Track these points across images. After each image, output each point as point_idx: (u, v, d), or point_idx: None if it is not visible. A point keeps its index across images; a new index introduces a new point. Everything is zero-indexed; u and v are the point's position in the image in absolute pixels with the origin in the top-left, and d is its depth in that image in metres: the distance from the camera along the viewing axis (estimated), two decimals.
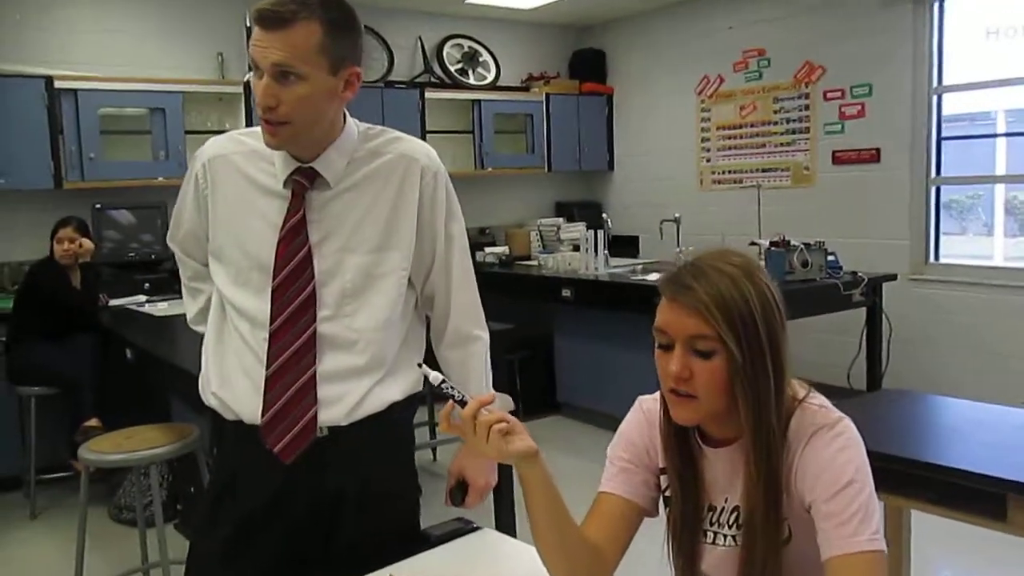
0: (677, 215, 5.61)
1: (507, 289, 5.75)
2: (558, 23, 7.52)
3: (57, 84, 5.04)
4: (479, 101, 6.82)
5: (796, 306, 1.35)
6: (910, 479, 2.25)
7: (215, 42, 5.93)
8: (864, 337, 5.10)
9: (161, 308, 4.60)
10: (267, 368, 1.65)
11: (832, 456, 1.28)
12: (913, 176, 5.51)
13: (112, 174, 5.25)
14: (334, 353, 1.68)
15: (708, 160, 6.81)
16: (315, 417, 1.65)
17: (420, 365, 1.40)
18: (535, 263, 6.18)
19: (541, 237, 6.52)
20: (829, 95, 5.91)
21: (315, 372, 1.65)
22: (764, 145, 6.37)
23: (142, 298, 4.92)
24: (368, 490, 1.73)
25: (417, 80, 6.72)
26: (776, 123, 6.27)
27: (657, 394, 1.45)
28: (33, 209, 5.20)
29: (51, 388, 4.41)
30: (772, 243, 4.73)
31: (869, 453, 1.33)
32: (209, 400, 1.76)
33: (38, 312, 4.44)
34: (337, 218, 1.69)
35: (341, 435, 1.68)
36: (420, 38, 6.84)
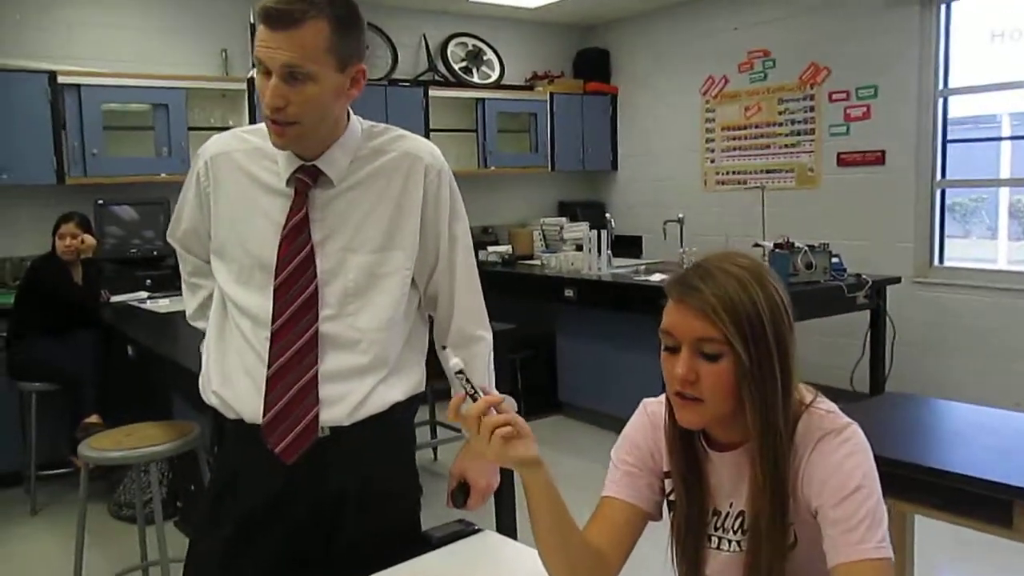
0: (681, 215, 5.60)
1: (510, 288, 5.74)
2: (563, 22, 7.51)
3: (60, 79, 5.03)
4: (483, 100, 6.81)
5: (800, 308, 1.34)
6: (915, 484, 2.24)
7: (219, 38, 5.92)
8: (868, 340, 5.08)
9: (163, 305, 4.59)
10: (268, 368, 1.64)
11: (839, 462, 1.27)
12: (918, 178, 5.49)
13: (115, 170, 5.24)
14: (336, 353, 1.66)
15: (712, 161, 6.80)
16: (317, 417, 1.64)
17: (444, 348, 1.37)
18: (538, 263, 6.16)
19: (544, 237, 6.51)
20: (834, 96, 5.89)
21: (317, 372, 1.64)
22: (768, 146, 6.36)
23: (144, 295, 4.91)
24: (369, 490, 1.71)
25: (421, 78, 6.71)
26: (781, 124, 6.26)
27: (662, 397, 1.44)
28: (35, 205, 5.20)
29: (52, 384, 4.40)
30: (776, 245, 4.72)
31: (874, 458, 1.32)
32: (210, 399, 1.75)
33: (40, 308, 4.43)
34: (340, 217, 1.67)
35: (343, 435, 1.67)
36: (424, 36, 6.83)
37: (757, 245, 4.80)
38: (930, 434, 2.73)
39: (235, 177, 1.71)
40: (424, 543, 1.72)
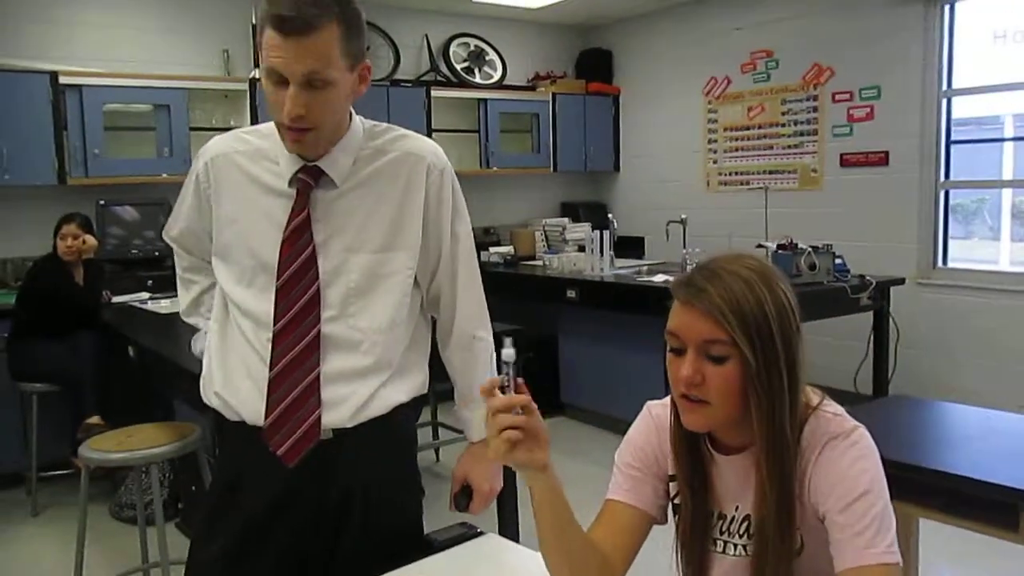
0: (683, 216, 5.58)
1: (512, 289, 5.73)
2: (565, 23, 7.50)
3: (62, 80, 5.02)
4: (485, 100, 6.80)
5: (803, 309, 1.33)
6: (919, 487, 2.23)
7: (221, 38, 5.91)
8: (871, 341, 5.07)
9: (164, 305, 4.58)
10: (271, 369, 1.62)
11: (847, 466, 1.26)
12: (922, 179, 5.48)
13: (116, 170, 5.23)
14: (339, 354, 1.65)
15: (715, 161, 6.78)
16: (319, 420, 1.63)
17: (505, 336, 1.33)
18: (540, 263, 6.16)
19: (546, 237, 6.50)
20: (838, 97, 5.88)
21: (319, 373, 1.63)
22: (771, 147, 6.34)
23: (145, 295, 4.90)
24: (372, 493, 1.70)
25: (423, 79, 6.70)
26: (784, 125, 6.24)
27: (667, 399, 1.43)
28: (37, 205, 5.19)
29: (53, 385, 4.39)
30: (779, 246, 4.71)
31: None
32: (211, 400, 1.74)
33: (41, 309, 4.43)
34: (342, 217, 1.66)
35: (346, 437, 1.66)
36: (427, 36, 6.82)
37: (760, 246, 4.79)
38: (935, 436, 2.72)
39: (236, 179, 1.70)
40: (427, 546, 1.71)
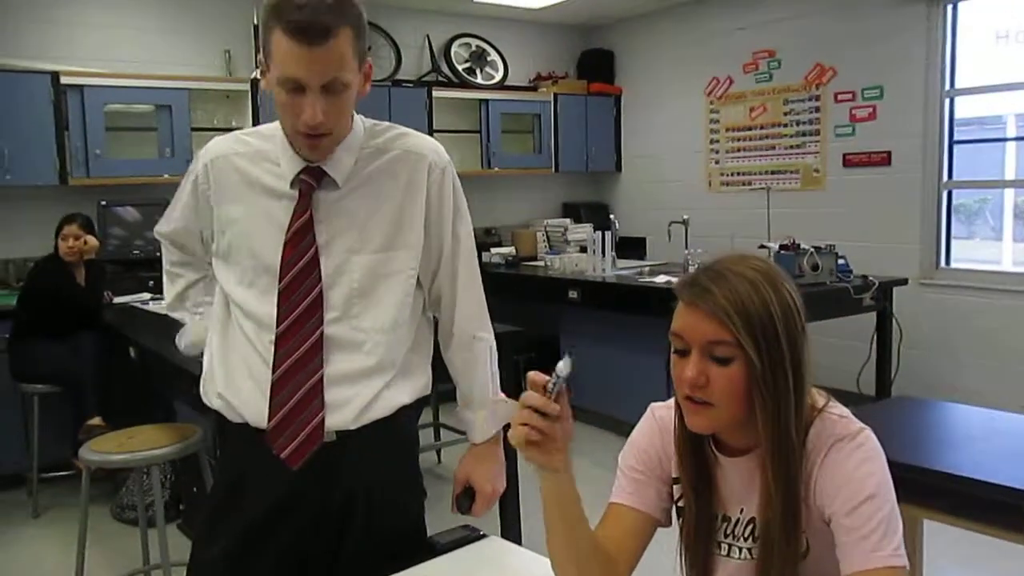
0: (685, 217, 5.57)
1: (513, 290, 5.72)
2: (566, 23, 7.49)
3: (63, 80, 5.02)
4: (486, 101, 6.79)
5: (806, 310, 1.31)
6: (923, 488, 2.21)
7: (222, 39, 5.91)
8: (874, 342, 5.06)
9: (164, 306, 4.57)
10: (273, 371, 1.62)
11: (853, 468, 1.25)
12: (925, 179, 5.47)
13: (118, 171, 5.23)
14: (342, 355, 1.64)
15: (717, 162, 6.77)
16: (322, 422, 1.62)
17: (573, 348, 1.33)
18: (542, 264, 6.15)
19: (548, 238, 6.50)
20: (840, 97, 5.86)
21: (322, 376, 1.62)
22: (774, 147, 6.33)
23: (146, 296, 4.89)
24: (375, 495, 1.70)
25: (424, 79, 6.69)
26: (786, 125, 6.23)
27: (670, 401, 1.41)
28: (38, 205, 5.18)
29: (55, 386, 4.38)
30: (782, 246, 4.70)
31: None
32: (213, 401, 1.73)
33: (42, 309, 4.42)
34: (344, 218, 1.65)
35: (349, 439, 1.65)
36: (428, 37, 6.82)
37: (763, 247, 4.78)
38: (938, 437, 2.71)
39: (236, 181, 1.69)
40: (429, 549, 1.70)
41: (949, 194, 5.49)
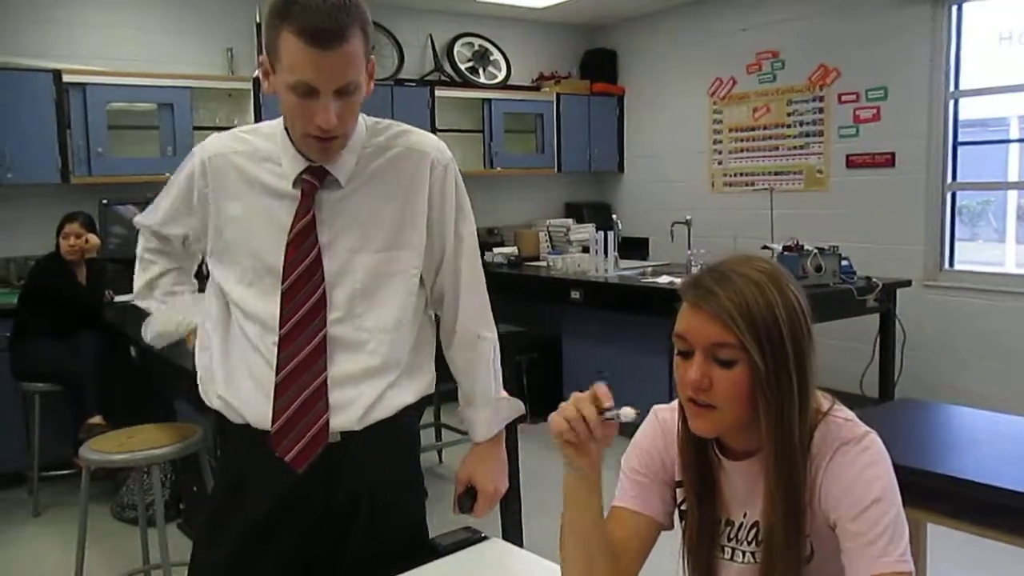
0: (688, 217, 5.56)
1: (515, 290, 5.71)
2: (570, 22, 7.48)
3: (65, 78, 5.01)
4: (489, 100, 6.78)
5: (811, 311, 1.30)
6: (927, 491, 2.20)
7: (225, 37, 5.90)
8: (877, 343, 5.05)
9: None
10: (277, 373, 1.60)
11: (858, 472, 1.23)
12: (928, 181, 5.45)
13: (119, 169, 5.21)
14: (345, 355, 1.63)
15: (720, 163, 6.76)
16: (327, 424, 1.61)
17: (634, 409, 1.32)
18: (544, 264, 6.14)
19: (550, 238, 6.49)
20: (844, 98, 5.85)
21: (326, 377, 1.61)
22: (777, 148, 6.32)
23: None
24: (378, 495, 1.69)
25: (427, 78, 6.68)
26: (789, 126, 6.22)
27: (674, 403, 1.40)
28: (40, 204, 5.17)
29: (55, 385, 4.37)
30: (785, 247, 4.69)
31: None
32: (213, 402, 1.72)
33: (43, 308, 4.42)
34: (347, 217, 1.64)
35: (353, 440, 1.64)
36: (431, 36, 6.81)
37: (766, 247, 4.77)
38: (942, 440, 2.70)
39: (235, 179, 1.67)
40: (431, 551, 1.69)
41: (953, 196, 5.48)
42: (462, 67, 6.83)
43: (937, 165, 5.42)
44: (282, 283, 1.61)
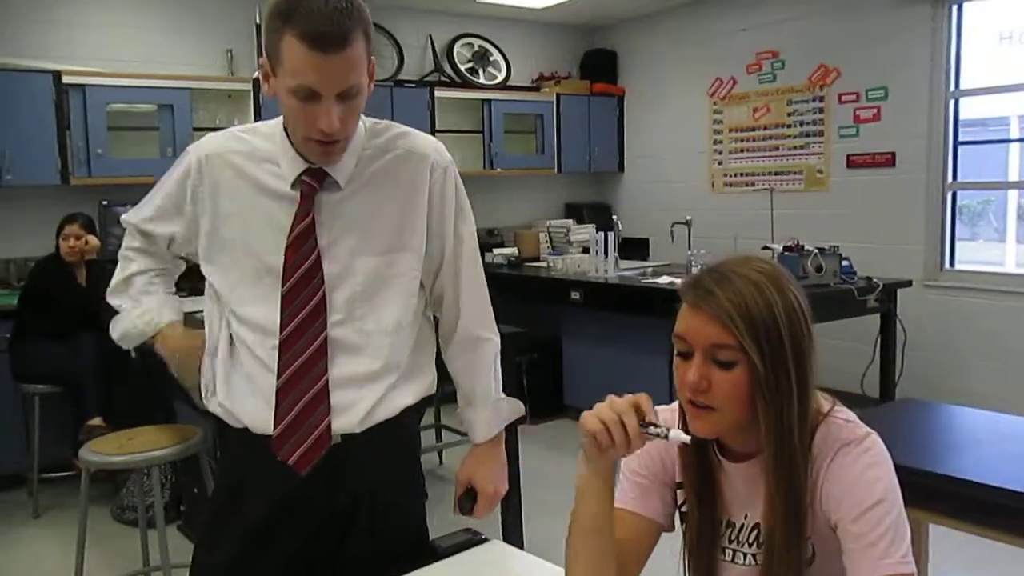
0: (688, 218, 5.56)
1: (516, 291, 5.71)
2: (569, 23, 7.47)
3: (65, 79, 5.01)
4: (489, 101, 6.77)
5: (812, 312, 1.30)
6: (928, 492, 2.20)
7: (224, 38, 5.89)
8: (878, 344, 5.04)
9: None
10: (278, 377, 1.60)
11: (859, 474, 1.23)
12: (929, 181, 5.44)
13: (119, 171, 5.21)
14: (346, 358, 1.63)
15: (720, 163, 6.75)
16: (329, 427, 1.60)
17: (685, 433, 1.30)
18: (544, 265, 6.13)
19: (550, 238, 6.48)
20: (844, 98, 5.84)
21: (328, 380, 1.60)
22: (777, 148, 6.31)
23: None
24: (379, 496, 1.68)
25: (427, 79, 6.68)
26: (789, 126, 6.21)
27: (674, 404, 1.40)
28: (39, 205, 5.17)
29: (55, 386, 4.37)
30: (785, 247, 4.69)
31: None
32: (213, 408, 1.71)
33: (43, 309, 4.41)
34: (347, 220, 1.63)
35: (354, 441, 1.64)
36: (431, 37, 6.80)
37: (766, 248, 4.77)
38: (943, 440, 2.70)
39: (232, 179, 1.65)
40: (431, 552, 1.69)
41: (953, 195, 5.47)
42: (462, 68, 6.83)
43: (937, 165, 5.42)
44: (282, 286, 1.60)
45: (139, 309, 1.80)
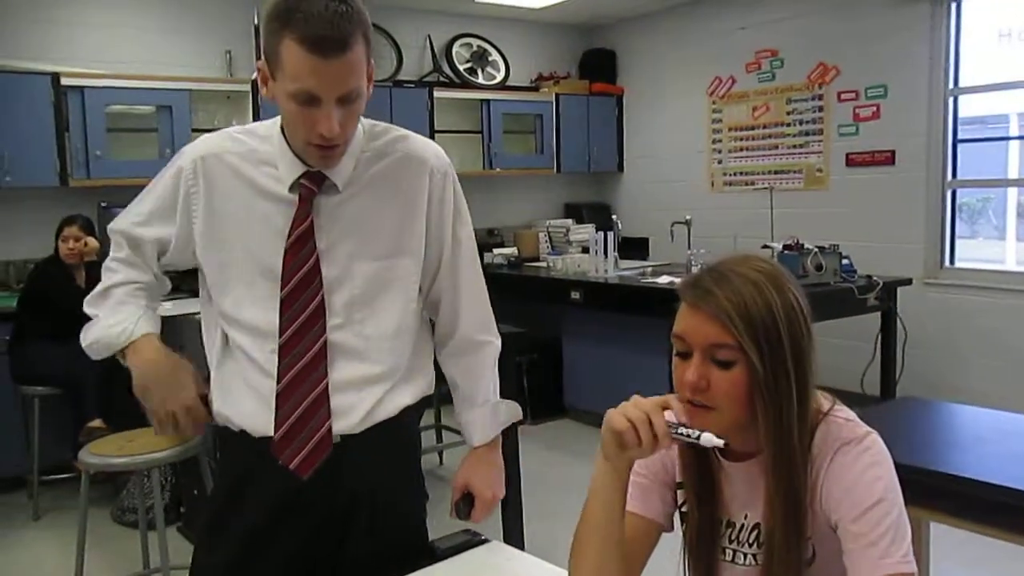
0: (688, 217, 5.56)
1: (515, 291, 5.71)
2: (568, 23, 7.47)
3: (64, 81, 5.00)
4: (488, 101, 6.76)
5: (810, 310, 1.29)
6: (929, 490, 2.20)
7: (223, 39, 5.89)
8: (878, 342, 5.04)
9: (167, 308, 4.55)
10: (278, 382, 1.59)
11: (860, 473, 1.23)
12: (929, 179, 5.44)
13: (118, 172, 5.20)
14: (346, 362, 1.62)
15: (719, 162, 6.75)
16: (330, 430, 1.59)
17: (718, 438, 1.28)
18: (544, 265, 6.14)
19: (550, 238, 6.48)
20: (843, 96, 5.84)
21: (328, 384, 1.60)
22: (777, 147, 6.31)
23: None
24: (379, 496, 1.68)
25: (426, 79, 6.67)
26: (789, 125, 6.21)
27: None
28: (38, 207, 5.17)
29: (55, 388, 4.37)
30: (785, 246, 4.68)
31: None
32: (214, 414, 1.71)
33: (42, 311, 4.40)
34: (346, 223, 1.62)
35: (353, 442, 1.63)
36: (429, 37, 6.80)
37: (766, 247, 4.76)
38: (944, 439, 2.70)
39: (228, 180, 1.63)
40: (431, 554, 1.68)
41: (953, 193, 5.47)
42: (461, 68, 6.82)
43: (937, 163, 5.42)
44: (281, 290, 1.60)
45: (114, 318, 1.72)
